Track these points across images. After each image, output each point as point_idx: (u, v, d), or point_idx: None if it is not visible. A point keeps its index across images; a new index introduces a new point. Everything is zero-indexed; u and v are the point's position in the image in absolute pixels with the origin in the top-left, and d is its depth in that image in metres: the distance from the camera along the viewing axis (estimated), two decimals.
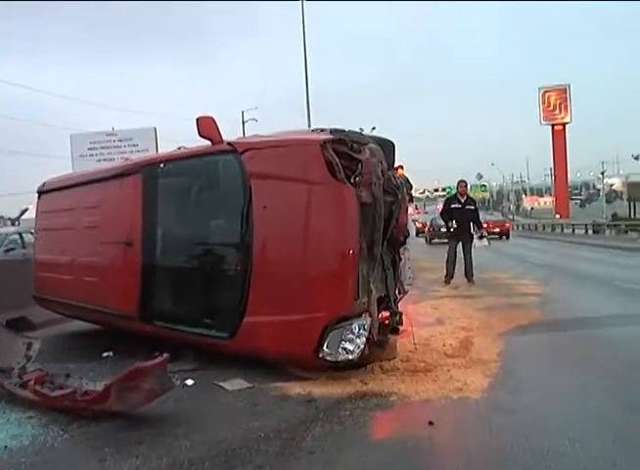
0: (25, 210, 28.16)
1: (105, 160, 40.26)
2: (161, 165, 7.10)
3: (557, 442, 4.03)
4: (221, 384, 5.48)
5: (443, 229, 24.60)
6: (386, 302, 6.38)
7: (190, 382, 5.62)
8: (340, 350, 5.51)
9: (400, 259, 7.15)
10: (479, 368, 5.89)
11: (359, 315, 5.61)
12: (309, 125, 32.74)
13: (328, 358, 5.52)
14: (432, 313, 9.38)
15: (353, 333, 5.55)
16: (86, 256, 7.41)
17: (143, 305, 6.69)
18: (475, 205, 14.00)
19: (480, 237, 13.70)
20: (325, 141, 5.66)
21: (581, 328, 8.02)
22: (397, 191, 6.29)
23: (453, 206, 13.68)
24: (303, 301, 5.64)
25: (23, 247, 17.08)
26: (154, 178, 6.97)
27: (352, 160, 5.78)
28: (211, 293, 6.53)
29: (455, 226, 13.50)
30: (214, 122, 6.35)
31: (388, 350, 6.20)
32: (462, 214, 13.46)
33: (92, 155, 41.53)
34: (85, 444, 4.18)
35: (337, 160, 5.59)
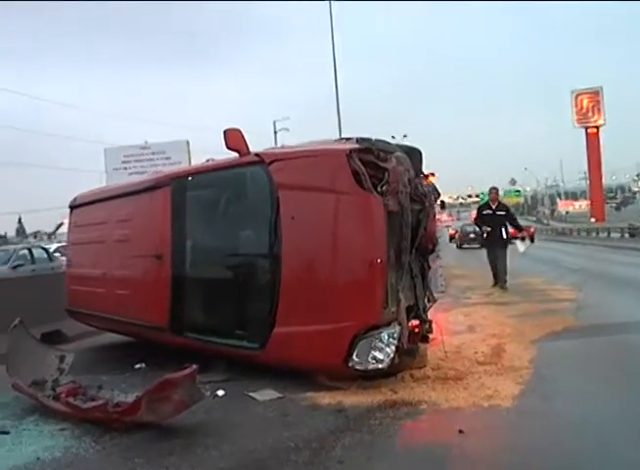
0: (61, 224, 28.69)
1: (138, 173, 40.67)
2: (190, 178, 7.20)
3: (588, 447, 3.99)
4: (252, 394, 5.50)
5: (472, 235, 32.62)
6: (415, 310, 6.36)
7: (221, 393, 5.65)
8: (369, 359, 5.49)
9: (429, 268, 7.13)
10: (510, 375, 5.81)
11: (388, 324, 5.58)
12: (340, 134, 32.87)
13: (358, 367, 5.50)
14: (463, 321, 9.31)
15: (383, 342, 5.52)
16: (117, 269, 7.51)
17: (173, 316, 6.74)
18: (507, 210, 14.04)
19: (522, 239, 13.97)
20: (351, 150, 5.69)
21: (616, 334, 7.84)
22: (424, 199, 6.29)
23: (485, 212, 13.82)
24: (332, 310, 5.63)
25: (33, 262, 17.17)
26: (183, 191, 7.05)
27: (379, 168, 5.79)
28: (241, 304, 6.53)
29: (487, 232, 13.56)
30: (241, 134, 6.43)
31: (419, 358, 6.16)
32: (493, 220, 13.53)
33: (126, 168, 42.11)
34: (117, 455, 4.22)
35: (363, 169, 5.60)
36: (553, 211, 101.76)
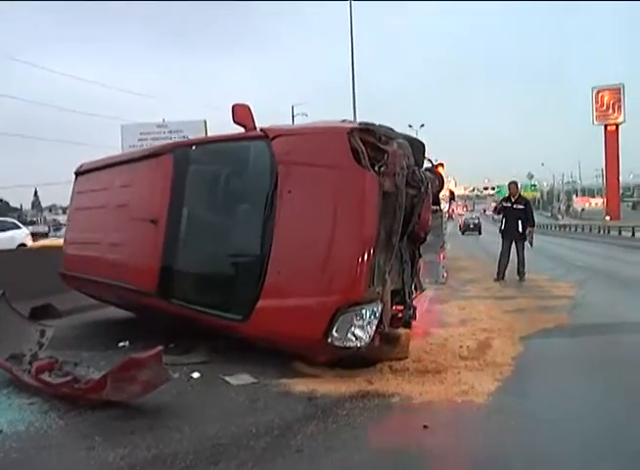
0: None
1: None
2: (193, 147, 7.25)
3: (554, 449, 3.91)
4: (226, 378, 5.49)
5: (471, 225, 54.22)
6: (400, 295, 6.33)
7: (196, 375, 5.64)
8: (349, 335, 5.47)
9: (420, 256, 7.13)
10: (490, 371, 5.73)
11: (371, 302, 5.57)
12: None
13: (337, 344, 5.47)
14: (457, 314, 9.25)
15: (364, 319, 5.51)
16: (113, 233, 7.48)
17: (162, 281, 6.70)
18: (525, 204, 14.34)
19: (528, 233, 13.98)
20: (352, 129, 5.81)
21: (608, 333, 7.74)
22: (421, 185, 6.23)
23: (505, 204, 14.31)
24: (317, 284, 5.65)
25: None
26: (185, 159, 7.07)
27: (379, 150, 5.84)
28: (229, 275, 6.53)
29: (504, 224, 14.15)
30: (249, 110, 6.53)
31: (400, 348, 6.10)
32: (511, 213, 14.01)
33: (142, 146, 42.02)
34: (78, 432, 4.21)
35: (362, 148, 5.68)
36: (568, 208, 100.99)
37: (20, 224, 21.04)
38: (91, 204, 8.23)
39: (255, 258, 6.12)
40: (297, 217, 5.94)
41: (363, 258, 5.54)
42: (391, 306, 6.01)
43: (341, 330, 5.46)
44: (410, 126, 59.27)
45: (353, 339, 5.48)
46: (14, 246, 17.66)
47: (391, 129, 6.54)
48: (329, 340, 5.46)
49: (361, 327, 5.49)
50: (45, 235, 23.95)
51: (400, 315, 6.30)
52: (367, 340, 5.50)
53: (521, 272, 13.83)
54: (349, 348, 5.52)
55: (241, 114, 6.49)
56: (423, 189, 6.25)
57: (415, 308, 6.61)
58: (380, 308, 5.61)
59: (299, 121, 47.49)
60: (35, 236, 21.04)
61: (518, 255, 13.97)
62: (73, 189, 8.93)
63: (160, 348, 4.39)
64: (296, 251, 5.87)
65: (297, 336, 5.62)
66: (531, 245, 14.32)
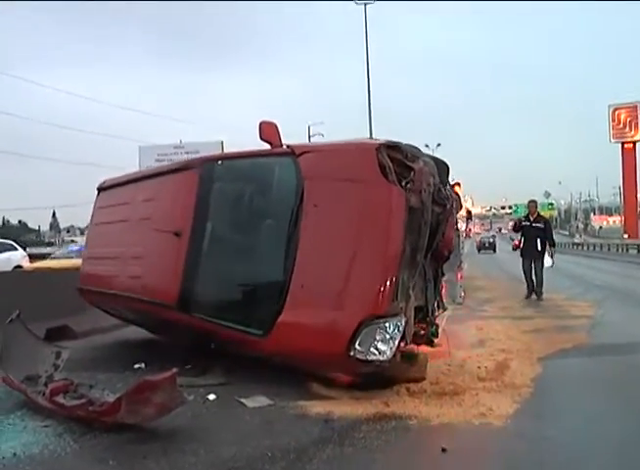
0: None
1: None
2: (219, 162, 7.28)
3: None
4: (242, 400, 5.43)
5: (486, 244, 58.27)
6: (423, 312, 6.34)
7: (212, 397, 5.59)
8: (372, 349, 5.42)
9: (443, 275, 7.17)
10: (508, 393, 5.65)
11: (395, 316, 5.56)
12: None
13: (359, 357, 5.41)
14: (475, 334, 9.16)
15: (387, 332, 5.47)
16: (134, 246, 7.42)
17: (183, 294, 6.64)
18: (545, 223, 14.42)
19: (550, 255, 14.12)
20: (380, 145, 5.90)
21: (628, 353, 7.61)
22: (447, 202, 6.32)
23: (524, 223, 14.36)
24: (341, 297, 5.62)
25: None
26: (211, 173, 7.08)
27: (405, 167, 5.91)
28: (251, 289, 6.47)
29: (523, 243, 14.29)
30: (276, 128, 6.59)
31: (417, 368, 6.03)
32: (529, 232, 14.10)
33: None
34: (92, 455, 4.17)
35: (390, 164, 5.76)
36: (586, 226, 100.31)
37: (17, 246, 21.03)
38: (113, 218, 8.18)
39: (278, 273, 6.11)
40: (322, 231, 5.95)
41: (388, 273, 5.54)
42: (414, 323, 5.99)
43: (364, 343, 5.41)
44: (427, 146, 59.09)
45: (376, 353, 5.43)
46: (10, 267, 17.75)
47: (417, 149, 6.62)
48: (351, 353, 5.41)
49: (384, 341, 5.45)
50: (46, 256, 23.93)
51: (423, 332, 6.32)
52: (390, 354, 5.45)
53: (538, 292, 13.82)
54: (371, 362, 5.45)
55: (267, 131, 6.57)
56: (448, 206, 6.32)
57: (437, 326, 6.63)
58: (403, 323, 5.57)
59: (317, 141, 47.75)
60: (33, 258, 20.99)
61: (536, 274, 13.95)
62: (95, 205, 8.91)
63: (174, 370, 4.36)
64: (320, 264, 5.86)
65: (319, 350, 5.56)
66: (552, 264, 14.27)
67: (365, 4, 34.94)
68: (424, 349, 6.43)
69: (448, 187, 6.79)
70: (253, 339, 6.01)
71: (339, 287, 5.64)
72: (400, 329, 5.53)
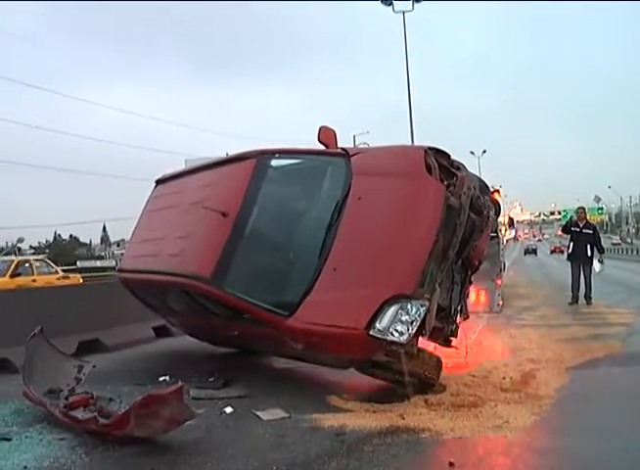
0: None
1: None
2: (277, 155, 7.50)
3: None
4: (258, 413, 5.46)
5: (530, 249, 68.49)
6: (445, 311, 6.48)
7: (229, 410, 5.62)
8: (391, 328, 5.57)
9: (470, 283, 7.33)
10: (529, 405, 5.54)
11: (419, 299, 5.71)
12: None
13: (377, 336, 5.55)
14: (507, 343, 9.01)
15: (409, 315, 5.62)
16: (181, 227, 7.54)
17: (219, 269, 6.70)
18: (593, 229, 14.55)
19: (599, 261, 14.27)
20: (429, 148, 6.37)
21: None
22: (484, 210, 6.59)
23: (572, 229, 14.45)
24: (370, 278, 5.83)
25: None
26: (266, 164, 7.33)
27: (449, 173, 6.34)
28: (284, 271, 6.74)
29: (572, 248, 14.41)
30: (334, 133, 7.05)
31: (430, 368, 6.13)
32: (579, 238, 14.19)
33: None
34: (100, 468, 4.24)
35: (435, 164, 6.20)
36: (638, 231, 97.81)
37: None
38: (165, 205, 8.38)
39: (312, 257, 6.34)
40: (362, 221, 6.26)
41: (419, 257, 5.84)
42: (435, 316, 6.09)
43: (384, 322, 5.57)
44: (472, 153, 58.86)
45: (395, 333, 5.57)
46: None
47: (463, 165, 6.87)
48: (371, 331, 5.55)
49: (404, 323, 5.60)
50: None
51: (443, 327, 6.46)
52: (407, 338, 5.58)
53: (587, 296, 13.86)
54: (388, 343, 5.57)
55: (325, 135, 7.02)
56: (485, 213, 6.59)
57: (458, 326, 6.76)
58: (425, 309, 5.71)
59: None
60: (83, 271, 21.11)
61: (585, 279, 13.97)
62: (150, 196, 9.10)
63: (180, 384, 4.39)
64: (356, 250, 6.12)
65: (340, 328, 5.69)
66: (602, 269, 14.41)
67: (403, 12, 34.79)
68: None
69: (487, 199, 6.95)
70: (277, 318, 6.09)
71: (370, 270, 5.90)
72: (421, 314, 5.67)
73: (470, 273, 7.04)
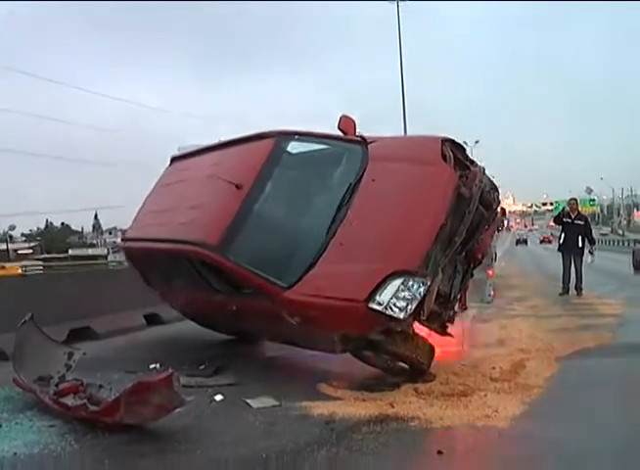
0: None
1: None
2: (296, 136, 7.59)
3: None
4: (248, 401, 5.47)
5: (521, 239, 71.78)
6: (445, 297, 6.56)
7: (219, 398, 5.65)
8: (391, 303, 5.63)
9: (472, 276, 7.54)
10: (518, 394, 5.54)
11: (421, 277, 5.79)
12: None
13: (377, 308, 5.61)
14: (497, 333, 9.01)
15: (410, 291, 5.69)
16: (193, 198, 7.54)
17: (227, 237, 6.72)
18: (585, 220, 14.65)
19: (590, 252, 14.61)
20: (446, 139, 6.65)
21: None
22: (492, 205, 6.87)
23: (564, 220, 14.51)
24: (377, 254, 5.98)
25: None
26: (285, 143, 7.44)
27: (464, 166, 6.60)
28: (290, 244, 6.75)
29: (563, 239, 14.46)
30: (353, 122, 7.31)
31: (422, 354, 6.16)
32: (571, 229, 14.26)
33: None
34: (90, 455, 4.24)
35: (451, 155, 6.47)
36: (629, 222, 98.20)
37: None
38: (179, 179, 8.39)
39: (320, 233, 6.47)
40: (374, 201, 6.46)
41: (425, 237, 5.98)
42: (434, 300, 6.17)
43: (385, 295, 5.64)
44: (465, 143, 58.83)
45: (395, 309, 5.63)
46: None
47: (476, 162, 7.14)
48: (370, 304, 5.61)
49: (404, 299, 5.66)
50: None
51: (441, 311, 6.51)
52: (405, 314, 5.65)
53: (578, 287, 13.95)
54: (387, 318, 5.63)
55: (345, 123, 7.26)
56: (494, 208, 6.84)
57: (455, 313, 6.90)
58: (426, 288, 5.77)
59: None
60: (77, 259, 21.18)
61: (576, 270, 14.04)
62: (164, 172, 9.11)
63: (170, 372, 4.40)
64: (365, 227, 6.24)
65: (340, 298, 5.75)
66: (592, 261, 14.75)
67: (397, 2, 34.65)
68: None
69: (497, 195, 7.17)
70: (277, 290, 6.13)
71: (377, 246, 6.04)
72: (422, 292, 5.73)
73: (472, 266, 7.13)
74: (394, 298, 5.64)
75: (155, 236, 7.71)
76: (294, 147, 7.48)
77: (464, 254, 6.69)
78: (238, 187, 6.88)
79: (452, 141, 6.63)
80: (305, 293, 5.96)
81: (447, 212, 6.11)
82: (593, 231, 15.57)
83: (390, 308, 5.62)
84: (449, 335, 6.80)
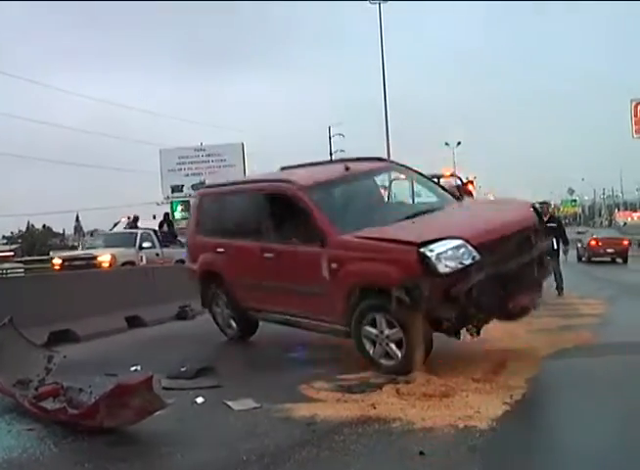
0: (118, 222, 29.01)
1: (193, 174, 41.74)
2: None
3: None
4: (229, 403, 5.45)
5: None
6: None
7: (200, 400, 5.63)
8: (441, 255, 6.10)
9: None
10: (500, 394, 5.54)
11: (475, 251, 6.25)
12: (387, 139, 33.34)
13: (426, 253, 6.07)
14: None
15: (462, 256, 6.17)
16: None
17: (315, 184, 7.58)
18: (558, 222, 15.28)
19: (563, 252, 15.01)
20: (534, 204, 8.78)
21: (631, 353, 7.40)
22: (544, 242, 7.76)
23: None
24: (446, 228, 6.71)
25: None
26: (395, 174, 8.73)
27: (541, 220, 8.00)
28: (369, 213, 7.63)
29: None
30: (473, 188, 10.13)
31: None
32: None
33: (180, 169, 42.99)
34: (70, 459, 4.22)
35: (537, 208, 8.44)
36: (610, 222, 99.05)
37: None
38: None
39: (396, 216, 7.44)
40: (464, 211, 8.12)
41: (502, 230, 6.71)
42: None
43: (439, 247, 6.14)
44: (447, 144, 59.42)
45: (442, 263, 6.10)
46: None
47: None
48: (422, 248, 6.10)
49: (454, 259, 6.15)
50: None
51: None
52: (448, 271, 6.08)
53: (559, 287, 14.19)
54: (430, 269, 6.06)
55: (467, 189, 9.65)
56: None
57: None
58: (478, 263, 6.17)
59: (336, 142, 48.06)
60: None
61: (554, 271, 13.93)
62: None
63: (149, 374, 4.38)
64: (445, 220, 7.37)
65: (397, 241, 6.42)
66: (565, 260, 15.61)
67: (379, 3, 34.81)
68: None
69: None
70: (335, 230, 6.91)
71: (448, 225, 6.92)
72: (472, 263, 6.15)
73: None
74: (447, 252, 6.11)
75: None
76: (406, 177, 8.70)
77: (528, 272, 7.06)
78: (347, 169, 7.89)
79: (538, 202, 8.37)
80: (362, 236, 6.68)
81: (528, 228, 7.05)
82: (569, 232, 16.04)
83: (438, 261, 6.06)
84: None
